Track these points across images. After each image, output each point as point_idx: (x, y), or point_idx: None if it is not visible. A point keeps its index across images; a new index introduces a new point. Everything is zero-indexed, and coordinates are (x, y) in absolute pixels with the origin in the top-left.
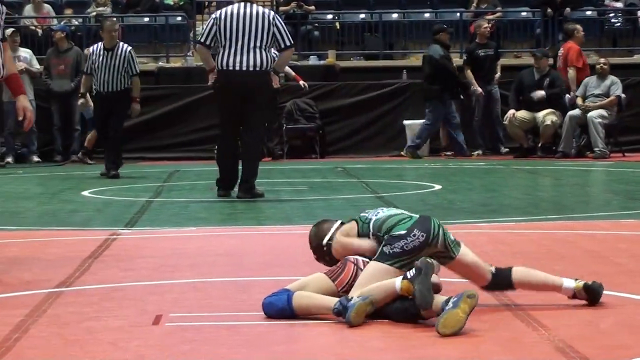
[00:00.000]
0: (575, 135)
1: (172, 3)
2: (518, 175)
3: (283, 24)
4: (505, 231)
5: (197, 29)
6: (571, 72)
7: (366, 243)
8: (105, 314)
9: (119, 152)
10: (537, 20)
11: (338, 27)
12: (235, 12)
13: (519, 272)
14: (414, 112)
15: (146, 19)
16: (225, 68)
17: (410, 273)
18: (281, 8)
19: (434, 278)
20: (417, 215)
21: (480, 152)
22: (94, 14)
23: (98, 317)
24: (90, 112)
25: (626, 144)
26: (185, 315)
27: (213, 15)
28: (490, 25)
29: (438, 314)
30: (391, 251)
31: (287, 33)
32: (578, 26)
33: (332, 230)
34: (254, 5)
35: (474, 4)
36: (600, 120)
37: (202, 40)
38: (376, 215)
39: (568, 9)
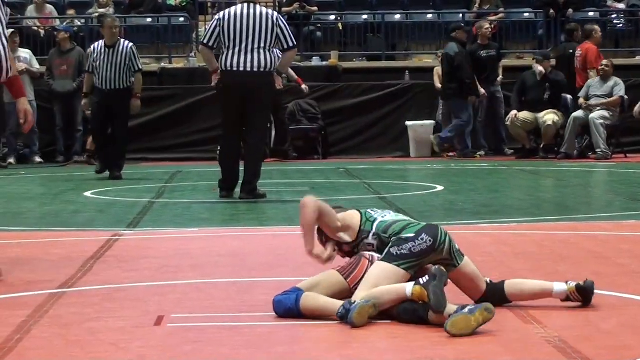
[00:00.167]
0: (577, 136)
1: (174, 4)
2: (520, 176)
3: (286, 24)
4: (508, 232)
5: (199, 29)
6: (592, 75)
7: (342, 229)
8: (107, 315)
9: (122, 154)
10: (539, 21)
11: (340, 28)
12: (238, 13)
13: (511, 285)
14: (417, 113)
15: (149, 20)
16: (228, 69)
17: (423, 279)
18: (284, 9)
19: None
20: (425, 223)
21: (483, 153)
22: (97, 14)
23: (100, 317)
24: None
25: (628, 145)
26: (188, 316)
27: (216, 17)
28: (492, 26)
29: None
30: (399, 252)
31: (290, 34)
32: (596, 27)
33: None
34: (257, 6)
35: (477, 5)
36: (601, 121)
37: (205, 41)
38: (382, 217)
39: (570, 10)
